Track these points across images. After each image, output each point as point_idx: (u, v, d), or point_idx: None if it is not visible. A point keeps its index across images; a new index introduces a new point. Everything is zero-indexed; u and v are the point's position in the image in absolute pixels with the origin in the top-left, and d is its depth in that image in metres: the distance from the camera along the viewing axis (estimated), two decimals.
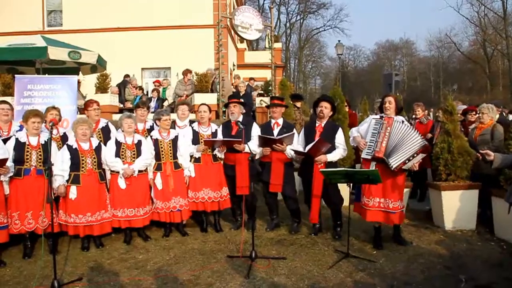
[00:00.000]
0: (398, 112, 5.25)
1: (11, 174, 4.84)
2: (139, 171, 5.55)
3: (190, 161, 5.85)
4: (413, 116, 8.48)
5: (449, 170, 5.91)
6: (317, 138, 5.41)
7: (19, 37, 13.11)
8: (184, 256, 4.99)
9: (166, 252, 5.17)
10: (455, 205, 5.79)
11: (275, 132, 5.82)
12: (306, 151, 5.42)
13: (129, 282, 4.24)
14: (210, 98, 10.85)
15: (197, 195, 5.81)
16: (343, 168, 5.15)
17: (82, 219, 5.16)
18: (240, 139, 5.59)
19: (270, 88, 13.39)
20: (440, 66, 46.86)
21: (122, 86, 13.45)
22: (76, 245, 5.41)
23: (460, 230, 5.76)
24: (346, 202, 5.68)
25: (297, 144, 5.71)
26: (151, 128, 6.18)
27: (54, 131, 5.54)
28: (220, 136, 5.94)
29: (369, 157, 5.03)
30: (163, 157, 5.70)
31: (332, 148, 5.44)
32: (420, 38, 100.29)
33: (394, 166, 4.86)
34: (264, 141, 5.71)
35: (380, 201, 5.04)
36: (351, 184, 4.89)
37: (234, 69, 21.86)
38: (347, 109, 8.23)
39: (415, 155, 4.83)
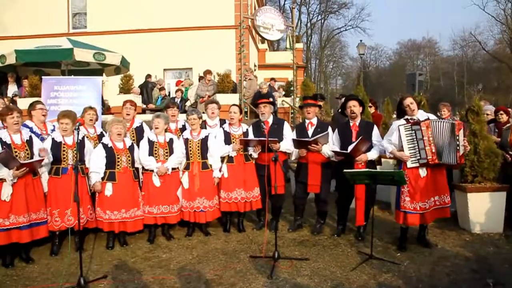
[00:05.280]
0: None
1: (48, 161, 5.01)
2: (172, 168, 5.64)
3: (223, 161, 5.85)
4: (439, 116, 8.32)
5: (475, 172, 5.76)
6: (354, 138, 5.35)
7: (45, 39, 13.44)
8: (207, 255, 5.02)
9: (189, 251, 5.22)
10: (482, 208, 5.65)
11: (310, 132, 5.74)
12: (348, 151, 5.27)
13: (153, 280, 4.29)
14: (232, 99, 10.86)
15: (230, 196, 5.80)
16: (367, 169, 5.10)
17: (117, 215, 5.28)
18: (276, 139, 5.58)
19: (292, 88, 13.36)
20: (464, 66, 45.84)
21: (144, 87, 13.62)
22: (101, 243, 5.51)
23: (487, 233, 5.61)
24: None
25: (331, 145, 5.63)
26: (184, 128, 6.26)
27: (91, 130, 5.85)
28: (251, 136, 5.93)
29: (417, 165, 4.97)
30: (191, 157, 5.75)
31: (369, 146, 5.39)
32: (443, 37, 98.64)
33: (456, 161, 4.88)
34: (299, 143, 5.66)
35: (435, 199, 5.02)
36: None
37: (255, 70, 21.90)
38: (373, 110, 8.13)
39: (457, 136, 4.83)
